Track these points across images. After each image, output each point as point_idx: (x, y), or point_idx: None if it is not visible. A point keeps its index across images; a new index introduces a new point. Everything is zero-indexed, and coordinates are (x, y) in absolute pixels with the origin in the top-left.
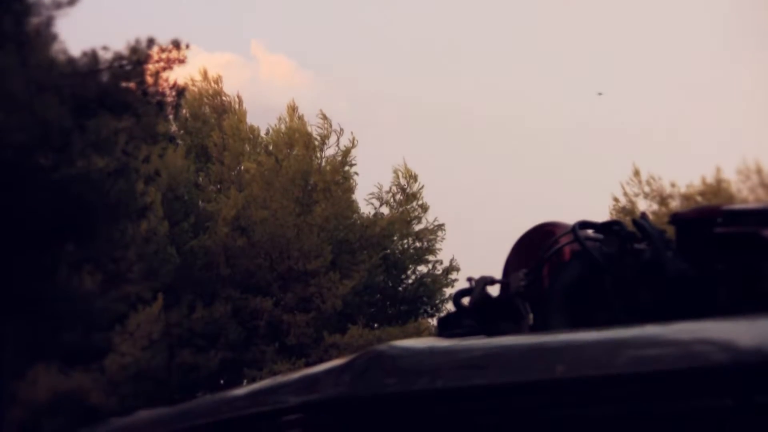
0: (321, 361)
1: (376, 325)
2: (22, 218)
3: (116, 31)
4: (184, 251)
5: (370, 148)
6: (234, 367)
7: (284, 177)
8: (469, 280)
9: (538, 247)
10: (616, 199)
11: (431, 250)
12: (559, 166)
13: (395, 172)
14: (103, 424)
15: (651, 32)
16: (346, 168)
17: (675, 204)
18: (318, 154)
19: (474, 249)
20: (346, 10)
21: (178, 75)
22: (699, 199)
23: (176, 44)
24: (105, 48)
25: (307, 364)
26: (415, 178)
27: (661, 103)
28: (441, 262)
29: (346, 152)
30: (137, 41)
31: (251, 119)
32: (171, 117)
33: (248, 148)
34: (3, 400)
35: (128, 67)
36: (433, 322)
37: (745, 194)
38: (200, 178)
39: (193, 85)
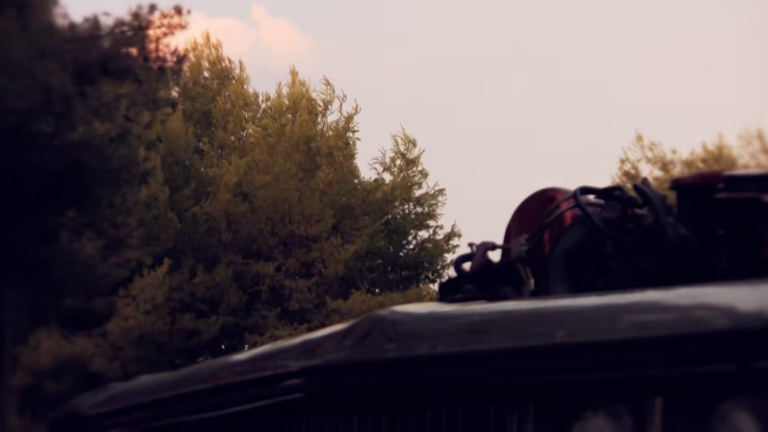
0: (323, 326)
1: (377, 290)
2: (23, 183)
3: None
4: (185, 217)
5: (373, 114)
6: (235, 332)
7: (287, 142)
8: (470, 245)
9: (539, 213)
10: (622, 161)
11: (432, 215)
12: (560, 132)
13: (394, 138)
14: (104, 388)
15: (653, 1)
16: (349, 134)
17: (677, 170)
18: (321, 120)
19: (475, 215)
20: None
21: (179, 41)
22: (700, 165)
23: (177, 10)
24: (106, 14)
25: (309, 330)
26: (414, 143)
27: (662, 69)
28: (442, 227)
29: (349, 118)
30: (138, 7)
31: (253, 85)
32: (172, 83)
33: (250, 114)
34: (5, 365)
35: (129, 33)
36: (435, 287)
37: (747, 160)
38: (202, 144)
39: (195, 50)
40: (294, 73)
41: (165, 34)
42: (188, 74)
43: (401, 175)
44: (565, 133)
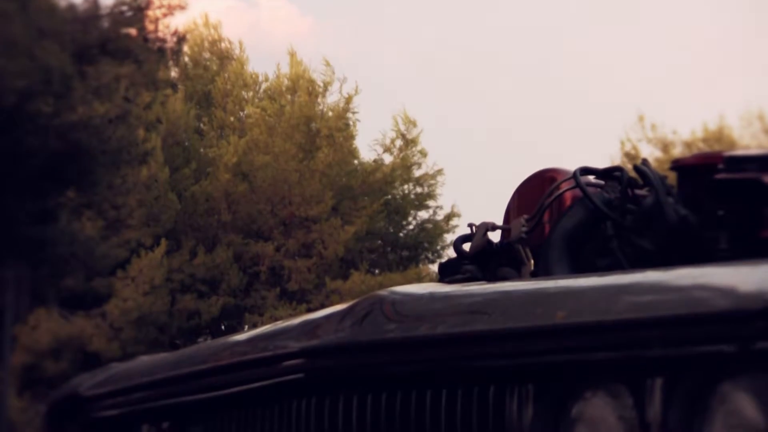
0: (323, 307)
1: (377, 271)
2: (22, 164)
3: None
4: (185, 197)
5: (372, 95)
6: (235, 313)
7: (286, 123)
8: (470, 226)
9: (539, 194)
10: (623, 142)
11: (432, 196)
12: (561, 112)
13: (394, 118)
14: (104, 369)
15: None
16: (349, 115)
17: (677, 151)
18: (321, 101)
19: (475, 195)
20: None
21: (179, 21)
22: (701, 145)
23: None
24: None
25: (309, 310)
26: (414, 123)
27: (663, 49)
28: (441, 208)
29: (349, 99)
30: None
31: (253, 65)
32: (172, 63)
33: (250, 95)
34: (5, 345)
35: (129, 14)
36: (434, 268)
37: (747, 141)
38: (201, 124)
39: (195, 30)
40: (293, 54)
41: (165, 15)
42: (188, 55)
43: (401, 155)
44: (565, 113)
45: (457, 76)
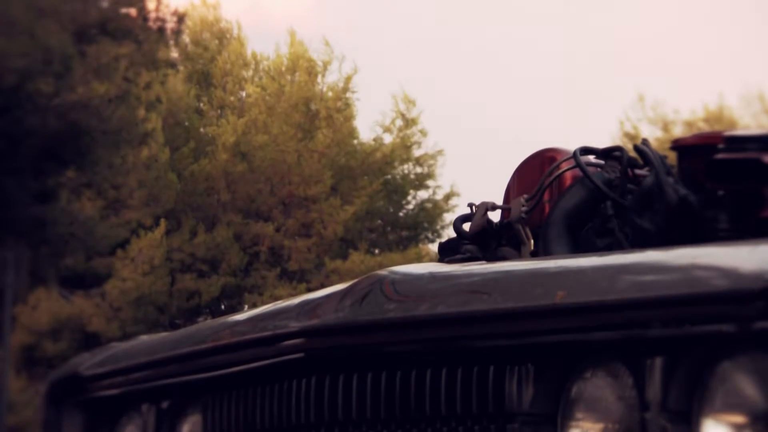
0: (322, 286)
1: (377, 250)
2: (22, 144)
3: None
4: (184, 176)
5: (372, 75)
6: (235, 293)
7: (286, 103)
8: (470, 205)
9: (539, 173)
10: (622, 122)
11: (431, 175)
12: (561, 92)
13: (394, 97)
14: (104, 348)
15: None
16: (348, 94)
17: (678, 130)
18: (320, 80)
19: (475, 175)
20: None
21: (178, 1)
22: (701, 125)
23: None
24: None
25: (309, 290)
26: (413, 103)
27: (664, 29)
28: (441, 187)
29: (348, 79)
30: None
31: (253, 45)
32: (172, 43)
33: (250, 74)
34: (5, 325)
35: None
36: (434, 248)
37: (748, 121)
38: (201, 104)
39: (194, 10)
40: (293, 34)
41: None
42: (187, 35)
43: (401, 135)
44: (565, 93)
45: (456, 56)
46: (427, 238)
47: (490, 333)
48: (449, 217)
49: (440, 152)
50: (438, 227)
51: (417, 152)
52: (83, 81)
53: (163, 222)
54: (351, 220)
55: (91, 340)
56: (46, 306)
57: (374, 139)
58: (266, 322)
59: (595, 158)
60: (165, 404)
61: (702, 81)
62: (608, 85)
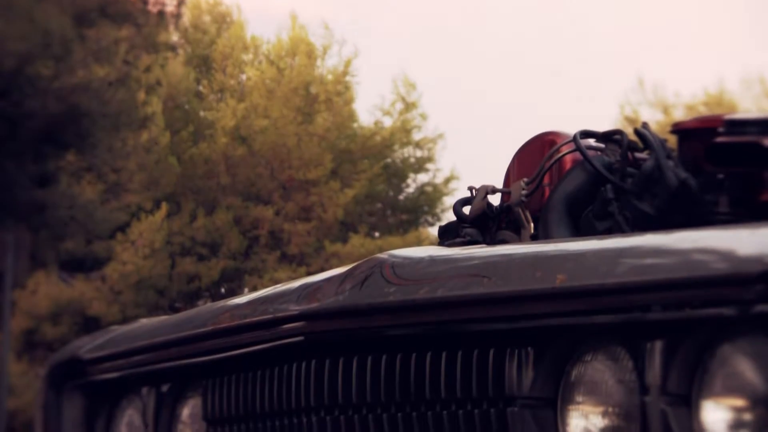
0: (322, 270)
1: (377, 234)
2: (22, 127)
3: None
4: (184, 160)
5: (373, 58)
6: (235, 276)
7: (286, 86)
8: (470, 189)
9: (539, 157)
10: (625, 106)
11: (431, 159)
12: (561, 75)
13: (394, 81)
14: (104, 332)
15: None
16: (348, 78)
17: (678, 114)
18: (320, 64)
19: (475, 159)
20: None
21: None
22: (702, 109)
23: None
24: None
25: (309, 273)
26: (414, 86)
27: (665, 12)
28: (441, 171)
29: (348, 63)
30: None
31: (253, 29)
32: (172, 26)
33: (250, 57)
34: (5, 309)
35: None
36: (434, 231)
37: (748, 104)
38: (201, 87)
39: None
40: (294, 17)
41: None
42: (188, 18)
43: (401, 118)
44: (565, 76)
45: (456, 40)
46: (427, 221)
47: (490, 316)
48: (449, 201)
49: (440, 136)
50: (438, 211)
51: (417, 136)
52: (83, 64)
53: (164, 205)
54: (351, 203)
55: (91, 324)
56: (46, 290)
57: (374, 123)
58: (266, 306)
59: (596, 142)
60: (165, 387)
61: (702, 64)
62: (608, 69)
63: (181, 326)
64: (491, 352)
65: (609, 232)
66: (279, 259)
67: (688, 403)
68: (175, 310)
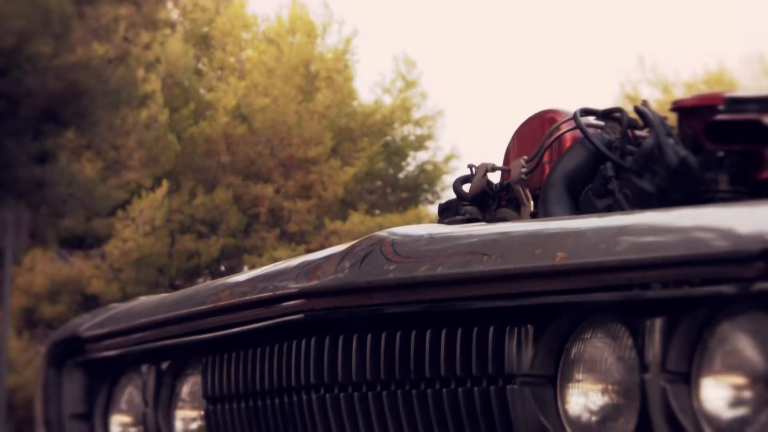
0: (322, 248)
1: (377, 212)
2: (21, 105)
3: None
4: (184, 138)
5: (373, 36)
6: (235, 254)
7: (286, 65)
8: (470, 167)
9: (539, 134)
10: (625, 84)
11: (431, 137)
12: (562, 53)
13: (394, 59)
14: (104, 309)
15: None
16: (348, 56)
17: (678, 92)
18: (320, 42)
19: (475, 136)
20: None
21: None
22: (702, 87)
23: None
24: None
25: (308, 251)
26: (414, 64)
27: None
28: (441, 149)
29: (348, 41)
30: None
31: (253, 7)
32: (171, 3)
33: (250, 36)
34: (4, 287)
35: None
36: (434, 209)
37: (748, 82)
38: (201, 65)
39: None
40: None
41: None
42: None
43: (401, 96)
44: (566, 55)
45: (457, 18)
46: (426, 199)
47: (490, 294)
48: (449, 179)
49: (440, 113)
50: (438, 189)
51: (417, 114)
52: (82, 42)
53: (165, 183)
54: (351, 181)
55: (90, 302)
56: (44, 268)
57: (374, 101)
58: (266, 284)
59: (596, 119)
60: (164, 365)
61: (702, 43)
62: (609, 47)
63: (181, 304)
64: (491, 329)
65: (609, 209)
66: (279, 237)
67: (687, 380)
68: (175, 288)
